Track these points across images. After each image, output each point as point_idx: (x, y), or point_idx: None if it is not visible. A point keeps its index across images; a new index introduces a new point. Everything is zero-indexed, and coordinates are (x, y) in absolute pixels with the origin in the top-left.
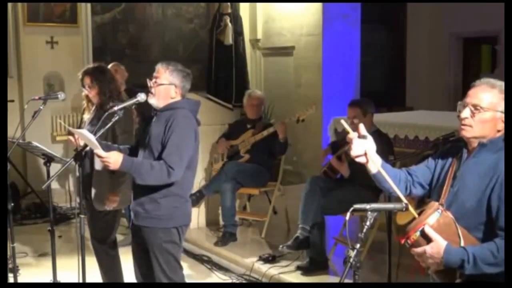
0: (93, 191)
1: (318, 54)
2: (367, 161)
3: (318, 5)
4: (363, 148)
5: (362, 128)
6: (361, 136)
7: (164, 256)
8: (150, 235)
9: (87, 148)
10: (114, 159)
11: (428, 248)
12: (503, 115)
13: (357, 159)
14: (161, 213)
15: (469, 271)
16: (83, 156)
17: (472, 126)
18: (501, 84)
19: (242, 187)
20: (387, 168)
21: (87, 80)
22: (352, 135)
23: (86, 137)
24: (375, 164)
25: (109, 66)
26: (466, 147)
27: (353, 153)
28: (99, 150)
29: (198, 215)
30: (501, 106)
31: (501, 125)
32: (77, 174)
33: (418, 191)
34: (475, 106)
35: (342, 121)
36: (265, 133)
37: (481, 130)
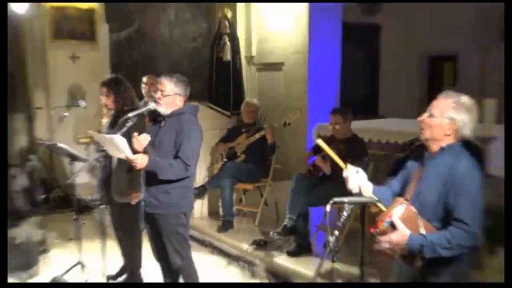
0: (112, 185)
1: (304, 70)
2: (360, 190)
3: (305, 27)
4: (358, 183)
5: (350, 167)
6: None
7: (177, 239)
8: (163, 222)
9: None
10: (141, 160)
11: (394, 236)
12: (450, 121)
13: (352, 191)
14: (172, 202)
15: (428, 254)
16: (105, 156)
17: (424, 129)
18: (457, 96)
19: (239, 183)
20: (378, 190)
21: (104, 90)
22: (347, 173)
23: (117, 143)
24: (367, 192)
25: (145, 78)
26: (428, 152)
27: (350, 187)
28: (128, 153)
29: (201, 207)
30: (449, 114)
31: (449, 131)
32: (98, 171)
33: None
34: (429, 113)
35: (321, 143)
36: (257, 135)
37: (430, 133)
